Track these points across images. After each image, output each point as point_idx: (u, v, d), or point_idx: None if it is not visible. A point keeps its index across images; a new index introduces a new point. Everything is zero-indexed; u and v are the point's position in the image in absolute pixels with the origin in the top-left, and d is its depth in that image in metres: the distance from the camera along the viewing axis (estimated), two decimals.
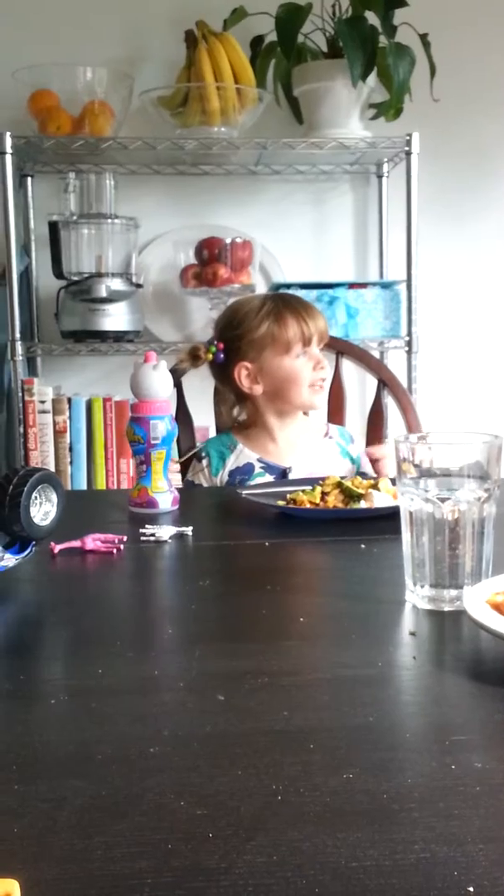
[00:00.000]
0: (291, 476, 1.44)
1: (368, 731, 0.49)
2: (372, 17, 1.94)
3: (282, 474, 1.45)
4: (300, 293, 1.99)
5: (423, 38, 1.97)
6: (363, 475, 1.51)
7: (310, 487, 1.10)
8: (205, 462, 1.49)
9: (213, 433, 1.66)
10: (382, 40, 1.94)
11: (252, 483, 1.43)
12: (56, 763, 0.47)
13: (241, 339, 1.48)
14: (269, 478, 1.45)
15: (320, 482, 1.12)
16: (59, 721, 0.52)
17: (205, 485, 1.48)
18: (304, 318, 1.46)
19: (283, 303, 1.49)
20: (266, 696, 0.54)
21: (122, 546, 0.92)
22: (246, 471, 1.47)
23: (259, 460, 1.47)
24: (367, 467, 1.54)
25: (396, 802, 0.42)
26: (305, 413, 1.56)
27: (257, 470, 1.46)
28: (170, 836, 0.39)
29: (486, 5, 2.20)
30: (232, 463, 1.48)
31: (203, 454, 1.50)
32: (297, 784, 0.43)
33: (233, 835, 0.39)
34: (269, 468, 1.46)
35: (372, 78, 1.98)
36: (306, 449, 1.50)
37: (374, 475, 1.51)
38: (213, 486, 1.47)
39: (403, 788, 0.43)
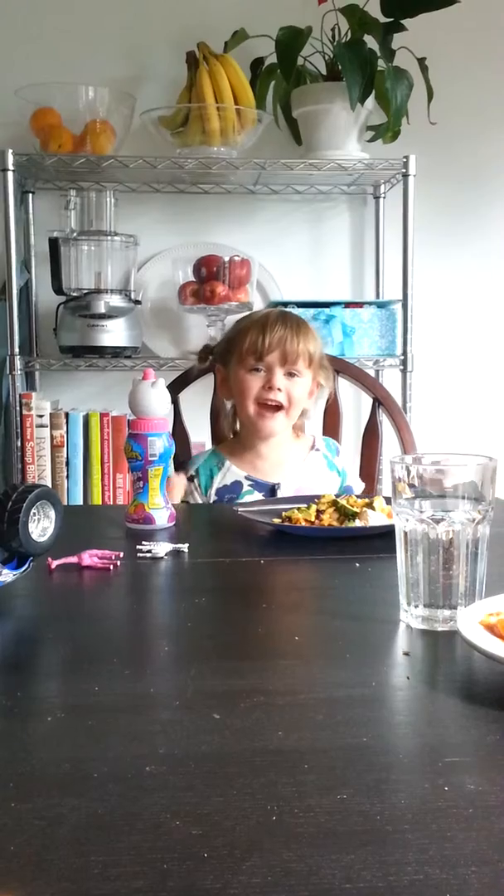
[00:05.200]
0: (280, 492, 1.43)
1: (363, 751, 0.50)
2: (371, 42, 1.96)
3: (270, 491, 1.45)
4: (297, 311, 2.00)
5: (421, 62, 1.99)
6: (348, 489, 1.51)
7: (305, 505, 1.11)
8: (196, 482, 1.49)
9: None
10: (381, 64, 1.96)
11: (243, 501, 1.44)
12: (52, 781, 0.47)
13: (224, 342, 1.52)
14: (258, 495, 1.44)
15: (315, 500, 1.12)
16: (55, 738, 0.53)
17: (200, 501, 1.48)
18: (265, 332, 1.43)
19: (266, 315, 1.49)
20: (261, 715, 0.55)
21: (118, 562, 0.93)
22: (234, 489, 1.46)
23: (247, 478, 1.47)
24: (352, 480, 1.54)
25: (390, 824, 0.42)
26: (296, 434, 1.55)
27: (245, 488, 1.45)
28: (166, 856, 0.40)
29: (483, 31, 2.23)
30: (219, 481, 1.47)
31: (193, 474, 1.51)
32: (291, 804, 0.44)
33: (228, 855, 0.40)
34: (257, 485, 1.46)
35: (370, 101, 2.00)
36: (294, 465, 1.50)
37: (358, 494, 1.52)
38: (206, 502, 1.48)
39: (397, 810, 0.43)
